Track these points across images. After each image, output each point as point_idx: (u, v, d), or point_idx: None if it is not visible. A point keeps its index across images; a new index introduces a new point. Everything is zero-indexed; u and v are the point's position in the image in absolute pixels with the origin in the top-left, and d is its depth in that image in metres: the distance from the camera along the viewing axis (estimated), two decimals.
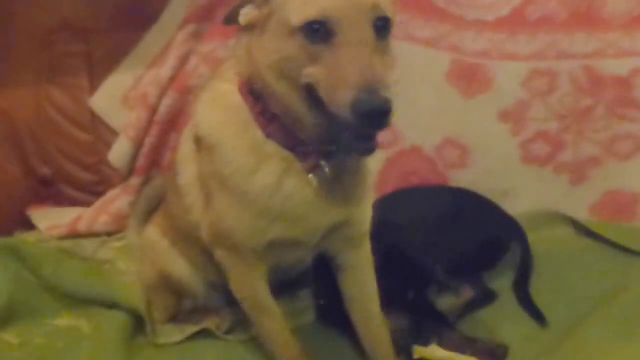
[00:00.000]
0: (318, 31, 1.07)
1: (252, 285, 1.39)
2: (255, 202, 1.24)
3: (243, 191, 1.25)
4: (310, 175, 1.22)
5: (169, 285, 1.63)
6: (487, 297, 1.71)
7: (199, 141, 1.33)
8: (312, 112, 1.15)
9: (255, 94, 1.23)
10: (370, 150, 1.11)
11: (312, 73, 1.09)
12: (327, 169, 1.22)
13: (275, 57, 1.14)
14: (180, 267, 1.61)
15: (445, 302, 1.67)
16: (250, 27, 1.21)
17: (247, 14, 1.20)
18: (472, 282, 1.71)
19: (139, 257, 1.78)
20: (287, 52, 1.12)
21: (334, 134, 1.15)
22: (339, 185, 1.26)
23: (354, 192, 1.30)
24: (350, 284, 1.45)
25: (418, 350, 1.46)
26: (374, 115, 1.02)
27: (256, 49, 1.19)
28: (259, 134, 1.23)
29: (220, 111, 1.29)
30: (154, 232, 1.70)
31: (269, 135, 1.23)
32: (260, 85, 1.20)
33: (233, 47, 1.30)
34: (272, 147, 1.23)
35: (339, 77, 1.04)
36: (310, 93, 1.12)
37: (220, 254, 1.39)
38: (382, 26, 1.11)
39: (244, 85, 1.25)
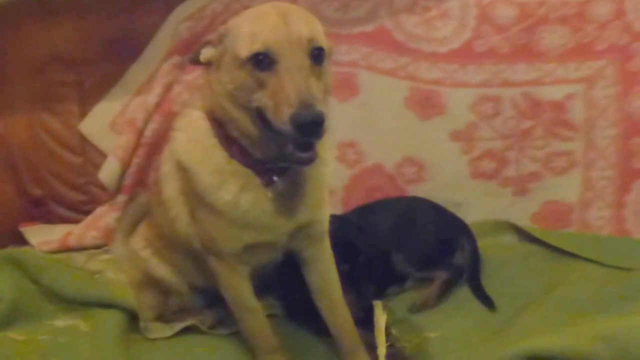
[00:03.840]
0: (263, 61, 1.23)
1: (237, 286, 1.52)
2: (223, 214, 1.39)
3: (213, 206, 1.39)
4: (267, 189, 1.37)
5: (154, 285, 1.74)
6: (459, 275, 1.85)
7: (178, 163, 1.47)
8: (262, 132, 1.30)
9: (217, 120, 1.38)
10: (311, 159, 1.25)
11: (259, 97, 1.25)
12: (279, 183, 1.37)
13: (230, 87, 1.30)
14: (163, 272, 1.73)
15: (420, 292, 1.81)
16: (209, 65, 1.37)
17: (205, 53, 1.36)
18: (444, 266, 1.86)
19: (126, 263, 1.88)
20: (239, 81, 1.28)
21: (281, 150, 1.28)
22: (296, 194, 1.41)
23: (310, 199, 1.44)
24: (314, 275, 1.57)
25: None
26: (310, 126, 1.16)
27: (214, 82, 1.35)
28: (223, 155, 1.37)
29: (190, 137, 1.44)
30: (137, 243, 1.81)
31: (232, 156, 1.37)
32: (220, 112, 1.35)
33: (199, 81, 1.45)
34: (233, 167, 1.37)
35: (281, 97, 1.19)
36: (260, 115, 1.27)
37: (210, 259, 1.51)
38: (318, 55, 1.27)
39: (209, 113, 1.40)
